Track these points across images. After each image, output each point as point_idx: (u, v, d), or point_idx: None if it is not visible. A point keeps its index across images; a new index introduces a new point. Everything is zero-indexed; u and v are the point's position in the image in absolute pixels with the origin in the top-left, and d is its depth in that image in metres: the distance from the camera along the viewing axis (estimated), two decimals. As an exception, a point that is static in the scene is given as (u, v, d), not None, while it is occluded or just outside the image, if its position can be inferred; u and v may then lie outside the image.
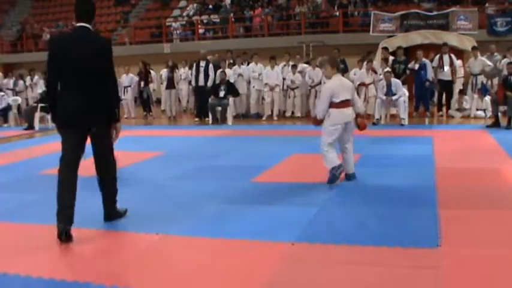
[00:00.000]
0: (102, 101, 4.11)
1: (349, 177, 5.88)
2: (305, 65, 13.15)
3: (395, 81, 10.96)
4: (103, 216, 4.49)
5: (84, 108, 4.06)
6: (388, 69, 11.38)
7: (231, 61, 13.65)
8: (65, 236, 3.96)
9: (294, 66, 12.81)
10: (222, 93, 12.18)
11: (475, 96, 11.86)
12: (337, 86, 5.64)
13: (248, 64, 13.56)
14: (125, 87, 14.26)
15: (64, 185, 4.08)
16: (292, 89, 12.79)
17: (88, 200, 5.28)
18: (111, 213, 4.51)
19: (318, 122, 5.78)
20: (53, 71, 4.10)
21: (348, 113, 5.67)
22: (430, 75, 11.99)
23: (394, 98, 10.72)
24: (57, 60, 4.06)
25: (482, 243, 3.74)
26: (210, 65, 12.74)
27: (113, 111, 4.21)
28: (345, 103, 5.63)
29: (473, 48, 12.52)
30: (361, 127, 5.95)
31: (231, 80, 12.72)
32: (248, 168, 6.58)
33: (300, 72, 12.87)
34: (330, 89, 5.64)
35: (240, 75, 13.19)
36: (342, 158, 5.83)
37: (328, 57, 6.24)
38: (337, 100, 5.58)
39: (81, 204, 5.07)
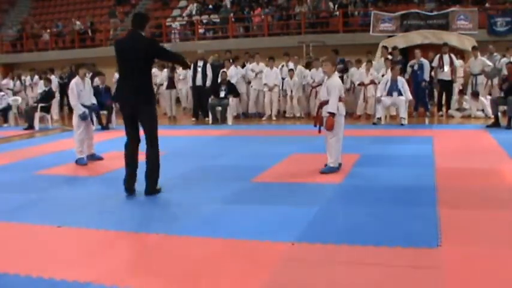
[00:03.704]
0: (143, 86, 5.27)
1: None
2: (302, 68, 13.12)
3: (402, 79, 10.92)
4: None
5: (129, 92, 5.29)
6: (397, 66, 11.30)
7: (231, 61, 13.65)
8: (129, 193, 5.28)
9: (291, 71, 12.75)
10: (222, 93, 12.18)
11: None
12: (341, 82, 6.34)
13: (244, 65, 13.58)
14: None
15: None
16: (291, 91, 12.76)
17: (87, 198, 5.30)
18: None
19: (334, 122, 6.05)
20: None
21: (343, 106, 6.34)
22: (427, 75, 12.00)
23: (402, 98, 10.65)
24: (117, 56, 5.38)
25: (482, 243, 3.74)
26: (208, 65, 12.74)
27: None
28: (343, 98, 6.34)
29: (474, 48, 12.53)
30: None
31: (233, 81, 12.72)
32: (248, 168, 6.58)
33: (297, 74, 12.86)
34: (340, 84, 6.25)
35: (242, 75, 13.22)
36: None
37: (329, 56, 6.82)
38: (342, 95, 6.23)
39: (81, 204, 5.08)
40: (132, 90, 5.21)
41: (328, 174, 6.07)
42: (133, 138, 5.40)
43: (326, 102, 6.13)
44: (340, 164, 6.26)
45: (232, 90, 12.34)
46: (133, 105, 5.24)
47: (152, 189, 5.38)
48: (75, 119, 7.44)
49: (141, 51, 5.17)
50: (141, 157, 5.43)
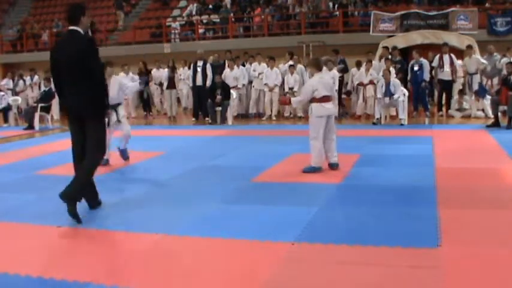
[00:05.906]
0: (89, 96, 4.46)
1: (332, 166, 6.32)
2: (302, 67, 13.11)
3: (394, 81, 10.90)
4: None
5: (74, 101, 4.54)
6: (389, 68, 11.30)
7: (233, 61, 13.65)
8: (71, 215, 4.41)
9: (292, 66, 12.77)
10: (219, 98, 12.05)
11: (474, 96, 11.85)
12: (317, 83, 6.24)
13: (244, 65, 13.57)
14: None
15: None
16: (290, 89, 12.75)
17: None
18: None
19: (286, 102, 6.86)
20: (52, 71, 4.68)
21: (328, 107, 6.24)
22: (427, 75, 11.98)
23: (394, 97, 10.64)
24: (53, 62, 4.58)
25: (482, 243, 3.74)
26: (208, 65, 12.72)
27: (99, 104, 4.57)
28: (325, 98, 6.20)
29: (468, 47, 12.46)
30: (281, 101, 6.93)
31: (239, 84, 12.77)
32: (248, 168, 6.58)
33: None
34: (310, 85, 6.30)
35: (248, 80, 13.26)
36: (325, 146, 6.28)
37: (311, 59, 6.73)
38: (318, 96, 6.16)
39: (81, 204, 5.08)
40: (76, 101, 4.51)
41: (309, 170, 6.17)
42: (78, 145, 4.64)
43: (312, 100, 6.23)
44: (333, 164, 6.31)
45: (226, 93, 12.18)
46: (79, 116, 4.56)
47: (72, 192, 4.53)
48: None
49: (80, 54, 4.41)
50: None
